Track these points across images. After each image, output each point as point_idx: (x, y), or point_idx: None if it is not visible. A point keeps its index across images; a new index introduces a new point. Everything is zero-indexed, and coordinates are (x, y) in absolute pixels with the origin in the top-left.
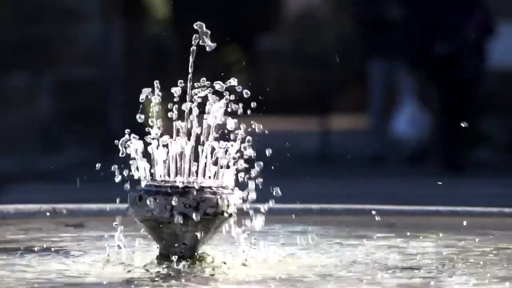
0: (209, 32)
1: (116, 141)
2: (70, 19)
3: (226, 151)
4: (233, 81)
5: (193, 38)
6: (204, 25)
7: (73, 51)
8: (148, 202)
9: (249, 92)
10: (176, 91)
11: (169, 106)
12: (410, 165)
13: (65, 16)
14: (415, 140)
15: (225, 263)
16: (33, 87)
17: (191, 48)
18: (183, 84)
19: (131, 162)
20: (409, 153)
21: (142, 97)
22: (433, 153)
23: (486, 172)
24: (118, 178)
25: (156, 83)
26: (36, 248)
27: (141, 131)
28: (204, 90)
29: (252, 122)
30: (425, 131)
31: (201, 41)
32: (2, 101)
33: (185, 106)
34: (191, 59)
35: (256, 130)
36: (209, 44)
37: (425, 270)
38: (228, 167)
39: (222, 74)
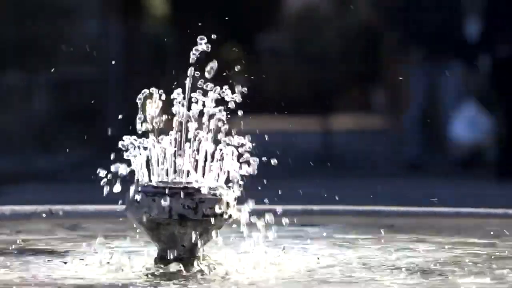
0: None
1: (118, 144)
2: (68, 18)
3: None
4: (226, 90)
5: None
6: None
7: (72, 50)
8: (146, 203)
9: (240, 98)
10: (175, 91)
11: (167, 105)
12: (462, 170)
13: (63, 15)
14: (474, 145)
15: (224, 265)
16: (32, 86)
17: (191, 53)
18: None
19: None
20: (460, 158)
21: (140, 97)
22: (482, 158)
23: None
24: (118, 188)
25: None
26: (31, 250)
27: (140, 131)
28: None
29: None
30: (486, 136)
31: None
32: (1, 101)
33: (182, 106)
34: (191, 57)
35: (249, 136)
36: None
37: (428, 271)
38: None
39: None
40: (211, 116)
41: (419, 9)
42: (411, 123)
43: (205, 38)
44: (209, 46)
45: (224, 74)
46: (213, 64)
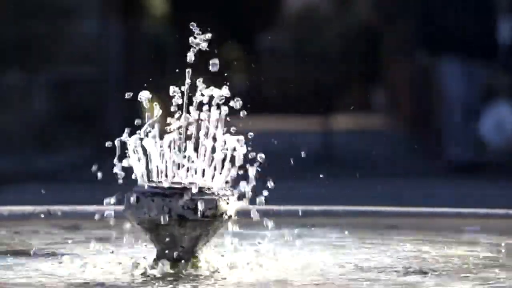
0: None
1: (111, 142)
2: (68, 17)
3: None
4: (224, 89)
5: (190, 40)
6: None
7: (72, 50)
8: (145, 204)
9: (239, 100)
10: (175, 91)
11: (166, 105)
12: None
13: (63, 15)
14: (502, 147)
15: (224, 265)
16: (32, 86)
17: (189, 53)
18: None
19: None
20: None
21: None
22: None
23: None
24: (120, 180)
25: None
26: (29, 251)
27: (139, 131)
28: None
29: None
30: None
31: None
32: (1, 101)
33: (181, 105)
34: (189, 56)
35: (250, 134)
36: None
37: (430, 273)
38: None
39: (225, 74)
40: (211, 116)
41: (449, 10)
42: (449, 123)
43: (199, 31)
44: (207, 38)
45: (225, 73)
46: (215, 61)
